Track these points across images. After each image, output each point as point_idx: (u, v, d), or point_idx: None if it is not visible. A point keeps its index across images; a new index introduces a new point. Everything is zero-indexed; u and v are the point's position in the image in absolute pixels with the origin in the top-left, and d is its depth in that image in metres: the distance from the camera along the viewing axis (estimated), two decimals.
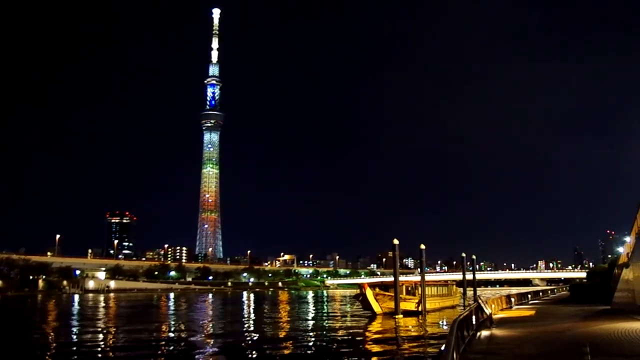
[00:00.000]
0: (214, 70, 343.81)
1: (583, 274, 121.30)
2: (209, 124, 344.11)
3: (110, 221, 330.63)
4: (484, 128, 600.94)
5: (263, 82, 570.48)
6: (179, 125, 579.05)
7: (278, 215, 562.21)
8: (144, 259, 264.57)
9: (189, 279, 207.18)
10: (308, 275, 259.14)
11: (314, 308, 69.10)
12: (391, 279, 51.50)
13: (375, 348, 26.47)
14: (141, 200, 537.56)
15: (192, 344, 28.97)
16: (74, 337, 33.69)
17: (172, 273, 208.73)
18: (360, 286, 49.32)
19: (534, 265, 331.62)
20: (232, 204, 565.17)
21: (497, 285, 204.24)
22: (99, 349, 27.66)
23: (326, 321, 45.69)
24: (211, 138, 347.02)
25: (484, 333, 19.45)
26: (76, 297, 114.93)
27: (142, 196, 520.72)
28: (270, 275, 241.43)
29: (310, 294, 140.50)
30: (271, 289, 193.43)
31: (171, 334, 35.29)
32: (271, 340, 30.95)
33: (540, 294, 61.38)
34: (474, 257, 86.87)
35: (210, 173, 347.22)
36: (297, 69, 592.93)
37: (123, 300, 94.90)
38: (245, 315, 56.05)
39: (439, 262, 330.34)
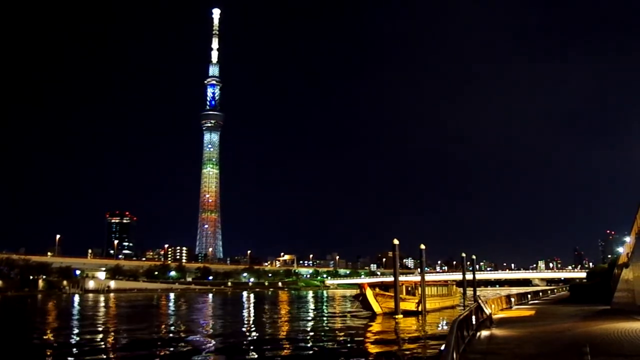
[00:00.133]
0: (214, 70, 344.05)
1: (583, 274, 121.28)
2: (209, 124, 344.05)
3: (110, 221, 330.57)
4: (484, 128, 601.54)
5: (263, 82, 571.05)
6: (179, 125, 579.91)
7: (278, 215, 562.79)
8: (144, 259, 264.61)
9: (189, 279, 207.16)
10: (308, 275, 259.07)
11: (313, 308, 69.12)
12: (391, 279, 51.49)
13: (375, 348, 26.47)
14: (141, 200, 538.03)
15: (192, 344, 28.97)
16: (74, 337, 33.67)
17: (172, 273, 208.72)
18: (360, 286, 49.33)
19: (534, 265, 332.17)
20: (232, 204, 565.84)
21: (497, 285, 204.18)
22: (99, 349, 27.66)
23: (326, 321, 45.69)
24: (211, 138, 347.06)
25: (484, 333, 19.46)
26: (76, 297, 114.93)
27: (142, 196, 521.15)
28: (270, 275, 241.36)
29: (310, 294, 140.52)
30: (271, 289, 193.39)
31: (171, 334, 35.29)
32: (271, 340, 30.95)
33: (540, 294, 61.42)
34: (474, 257, 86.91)
35: (210, 173, 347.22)
36: (297, 69, 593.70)
37: (123, 301, 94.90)
38: (245, 316, 56.04)
39: (439, 262, 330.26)
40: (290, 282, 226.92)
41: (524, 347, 16.05)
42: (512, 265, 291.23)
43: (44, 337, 34.34)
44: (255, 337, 32.70)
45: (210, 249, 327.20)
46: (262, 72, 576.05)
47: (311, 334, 34.25)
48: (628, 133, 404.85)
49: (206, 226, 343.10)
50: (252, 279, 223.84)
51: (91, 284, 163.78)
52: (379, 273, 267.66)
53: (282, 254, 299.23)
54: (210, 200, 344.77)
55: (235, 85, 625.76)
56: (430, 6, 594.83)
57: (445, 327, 34.00)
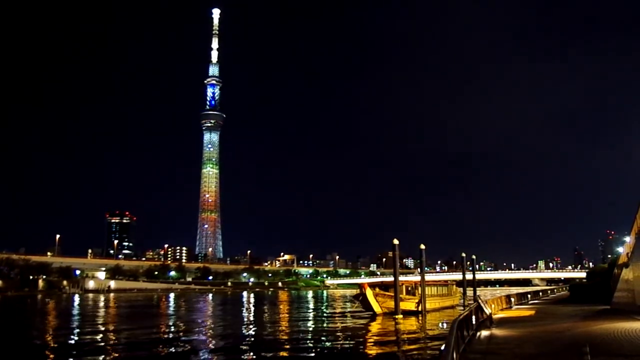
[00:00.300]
0: (214, 70, 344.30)
1: (583, 274, 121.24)
2: (209, 124, 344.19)
3: (110, 221, 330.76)
4: (484, 128, 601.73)
5: (263, 82, 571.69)
6: (179, 125, 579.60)
7: (278, 215, 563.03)
8: (144, 259, 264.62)
9: (189, 279, 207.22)
10: (308, 275, 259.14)
11: (313, 308, 69.10)
12: (391, 279, 51.49)
13: (375, 349, 26.47)
14: (141, 200, 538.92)
15: (192, 344, 28.98)
16: (74, 337, 33.67)
17: (172, 273, 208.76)
18: (360, 286, 49.34)
19: (534, 265, 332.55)
20: (232, 204, 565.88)
21: (497, 285, 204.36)
22: (99, 349, 27.63)
23: (326, 321, 45.67)
24: (211, 138, 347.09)
25: (484, 333, 19.46)
26: (76, 297, 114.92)
27: (142, 196, 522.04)
28: (270, 275, 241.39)
29: (310, 294, 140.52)
30: (271, 289, 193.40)
31: (171, 334, 35.28)
32: (271, 340, 30.93)
33: (540, 294, 61.41)
34: (474, 257, 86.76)
35: (210, 173, 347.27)
36: (297, 69, 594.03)
37: (123, 301, 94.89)
38: (245, 316, 56.03)
39: (439, 262, 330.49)
40: (290, 282, 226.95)
41: (524, 347, 16.04)
42: (512, 265, 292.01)
43: (44, 337, 34.32)
44: (255, 337, 32.69)
45: (210, 249, 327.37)
46: (262, 72, 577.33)
47: (311, 334, 34.25)
48: (628, 133, 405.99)
49: (206, 226, 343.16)
50: (252, 279, 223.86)
51: (91, 284, 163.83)
52: (379, 273, 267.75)
53: (282, 254, 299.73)
54: (210, 200, 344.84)
55: (235, 85, 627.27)
56: (430, 6, 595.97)
57: (445, 327, 34.00)
